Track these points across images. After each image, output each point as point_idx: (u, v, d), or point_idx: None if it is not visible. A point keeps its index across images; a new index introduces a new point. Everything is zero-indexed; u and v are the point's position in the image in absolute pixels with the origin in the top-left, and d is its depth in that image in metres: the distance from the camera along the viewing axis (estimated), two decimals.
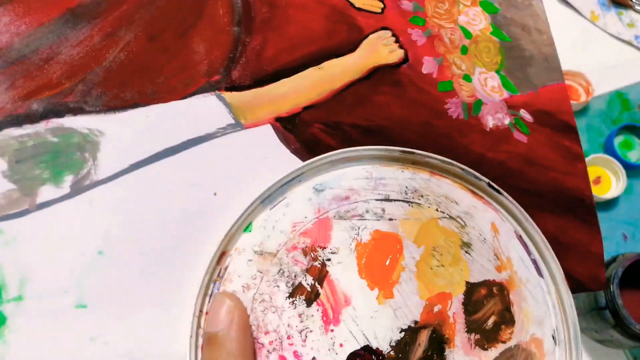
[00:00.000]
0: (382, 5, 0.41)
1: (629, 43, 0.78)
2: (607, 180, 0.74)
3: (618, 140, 0.78)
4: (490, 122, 0.40)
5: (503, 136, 0.40)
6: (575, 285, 0.37)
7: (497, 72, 0.42)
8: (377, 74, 0.39)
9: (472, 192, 0.34)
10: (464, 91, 0.40)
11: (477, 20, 0.43)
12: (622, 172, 0.72)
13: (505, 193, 0.33)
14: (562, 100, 0.43)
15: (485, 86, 0.41)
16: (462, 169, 0.33)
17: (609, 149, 0.76)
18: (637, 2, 0.63)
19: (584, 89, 0.76)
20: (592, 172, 0.74)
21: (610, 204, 0.74)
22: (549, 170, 0.40)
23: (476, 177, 0.33)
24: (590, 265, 0.38)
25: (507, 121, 0.40)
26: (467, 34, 0.42)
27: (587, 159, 0.72)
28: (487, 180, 0.33)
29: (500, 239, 0.33)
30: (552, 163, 0.40)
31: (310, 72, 0.37)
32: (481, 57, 0.42)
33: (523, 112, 0.41)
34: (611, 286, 0.58)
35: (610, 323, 0.59)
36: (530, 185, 0.39)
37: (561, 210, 0.39)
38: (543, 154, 0.40)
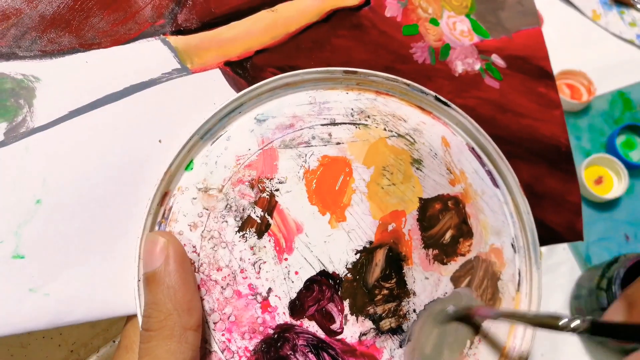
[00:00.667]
0: None
1: (631, 42, 0.79)
2: (609, 181, 0.74)
3: (620, 140, 0.78)
4: (459, 67, 0.39)
5: (473, 82, 0.39)
6: (551, 235, 0.36)
7: (467, 15, 0.41)
8: (336, 17, 0.37)
9: (420, 108, 0.33)
10: (431, 35, 0.40)
11: None
12: (624, 172, 0.72)
13: (454, 106, 0.33)
14: (538, 45, 0.42)
15: (454, 30, 0.41)
16: (408, 85, 0.32)
17: (610, 149, 0.75)
18: (639, 1, 0.65)
19: (586, 88, 0.76)
20: (594, 172, 0.74)
21: (612, 204, 0.73)
22: (523, 117, 0.39)
23: (423, 92, 0.33)
24: (566, 214, 0.37)
25: (477, 66, 0.39)
26: None
27: (588, 159, 0.71)
28: (434, 94, 0.33)
29: (452, 152, 0.32)
30: (526, 110, 0.39)
31: (263, 14, 0.36)
32: (450, 0, 0.41)
33: (495, 57, 0.40)
34: (613, 287, 0.57)
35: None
36: (502, 132, 0.38)
37: (536, 158, 0.38)
38: (516, 100, 0.39)
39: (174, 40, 0.34)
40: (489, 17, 0.41)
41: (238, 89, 0.34)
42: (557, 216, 0.37)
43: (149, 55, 0.33)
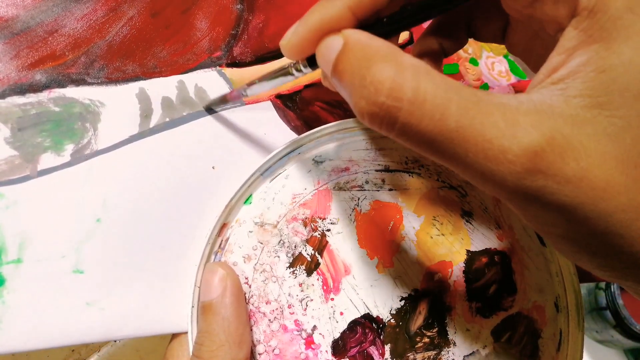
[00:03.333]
0: None
1: None
2: None
3: None
4: None
5: None
6: (582, 275, 0.37)
7: (505, 56, 0.42)
8: None
9: None
10: (470, 75, 0.41)
11: None
12: None
13: None
14: None
15: (492, 70, 0.41)
16: None
17: None
18: None
19: None
20: None
21: None
22: None
23: None
24: None
25: None
26: None
27: None
28: None
29: (502, 207, 0.33)
30: None
31: None
32: None
33: None
34: (612, 286, 0.57)
35: (610, 323, 0.58)
36: None
37: None
38: None
39: (230, 72, 0.36)
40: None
41: (287, 121, 0.36)
42: None
43: (206, 85, 0.35)
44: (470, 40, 0.31)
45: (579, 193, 0.18)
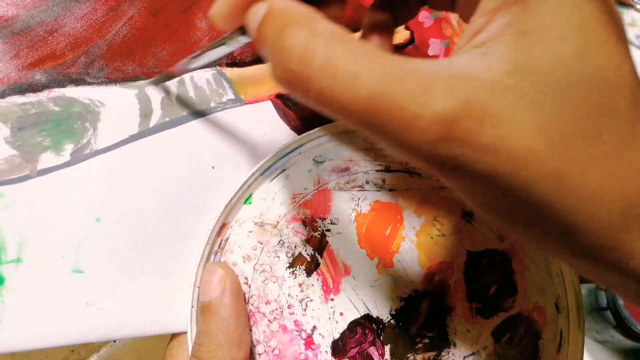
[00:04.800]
0: None
1: (630, 42, 0.79)
2: None
3: None
4: None
5: None
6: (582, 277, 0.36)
7: None
8: None
9: None
10: None
11: None
12: None
13: None
14: None
15: None
16: None
17: None
18: (638, 1, 0.64)
19: None
20: None
21: None
22: None
23: None
24: None
25: None
26: None
27: None
28: None
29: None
30: None
31: None
32: None
33: None
34: None
35: (611, 324, 0.58)
36: None
37: None
38: None
39: (230, 72, 0.35)
40: None
41: (287, 121, 0.36)
42: None
43: (206, 85, 0.35)
44: None
45: (499, 162, 0.17)
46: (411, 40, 0.40)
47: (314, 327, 0.31)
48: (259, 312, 0.31)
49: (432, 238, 0.32)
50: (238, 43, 0.24)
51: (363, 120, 0.18)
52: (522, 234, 0.20)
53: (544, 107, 0.17)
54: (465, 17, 0.26)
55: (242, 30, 0.23)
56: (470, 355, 0.31)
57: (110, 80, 0.33)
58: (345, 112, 0.18)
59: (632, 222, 0.18)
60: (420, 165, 0.18)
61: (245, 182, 0.31)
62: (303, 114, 0.36)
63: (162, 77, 0.33)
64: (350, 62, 0.17)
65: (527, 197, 0.17)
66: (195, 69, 0.31)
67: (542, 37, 0.17)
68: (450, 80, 0.17)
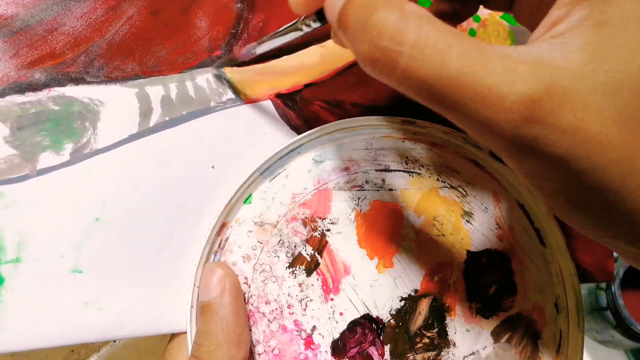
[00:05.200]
0: None
1: None
2: None
3: None
4: None
5: None
6: (583, 275, 0.37)
7: None
8: None
9: (474, 162, 0.33)
10: None
11: None
12: None
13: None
14: None
15: None
16: (464, 139, 0.33)
17: None
18: None
19: None
20: None
21: None
22: None
23: (478, 147, 0.33)
24: (599, 255, 0.37)
25: None
26: (476, 18, 0.42)
27: None
28: (488, 150, 0.33)
29: (502, 208, 0.33)
30: None
31: (313, 50, 0.37)
32: (489, 41, 0.42)
33: None
34: (612, 286, 0.57)
35: (611, 324, 0.58)
36: None
37: None
38: None
39: (230, 71, 0.35)
40: None
41: (287, 121, 0.36)
42: (589, 257, 0.37)
43: (206, 84, 0.35)
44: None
45: (574, 144, 0.18)
46: None
47: (314, 327, 0.31)
48: (259, 312, 0.31)
49: (432, 238, 0.32)
50: (309, 28, 0.25)
51: (447, 98, 0.18)
52: (587, 221, 0.20)
53: (619, 94, 0.18)
54: (521, 18, 0.28)
55: (317, 15, 0.23)
56: (470, 355, 0.31)
57: (110, 80, 0.33)
58: (430, 89, 0.18)
59: None
60: (498, 147, 0.19)
61: (245, 182, 0.31)
62: (303, 113, 0.36)
63: (225, 60, 0.34)
64: (440, 41, 0.18)
65: (598, 181, 0.18)
66: (260, 52, 0.31)
67: (620, 28, 0.18)
68: (532, 64, 0.18)
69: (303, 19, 0.25)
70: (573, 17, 0.19)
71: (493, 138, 0.18)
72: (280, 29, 0.27)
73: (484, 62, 0.18)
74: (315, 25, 0.24)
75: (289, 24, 0.26)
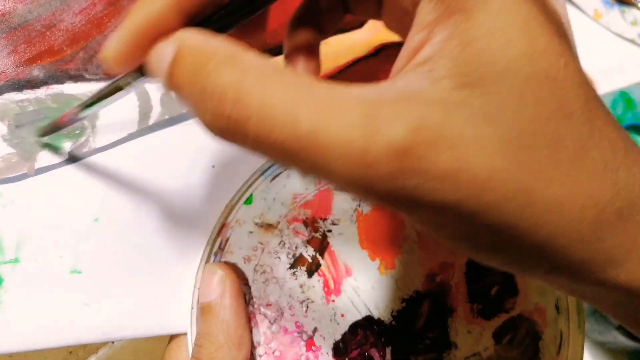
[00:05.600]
0: None
1: (632, 41, 0.79)
2: None
3: None
4: None
5: None
6: None
7: None
8: (385, 51, 0.38)
9: None
10: None
11: None
12: None
13: None
14: None
15: None
16: None
17: None
18: None
19: None
20: None
21: None
22: None
23: None
24: None
25: None
26: None
27: None
28: None
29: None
30: None
31: None
32: None
33: None
34: None
35: (613, 325, 0.58)
36: None
37: None
38: None
39: None
40: None
41: None
42: None
43: None
44: None
45: (459, 187, 0.15)
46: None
47: (315, 329, 0.31)
48: (260, 313, 0.31)
49: (433, 239, 0.32)
50: (135, 86, 0.21)
51: (307, 161, 0.16)
52: (495, 259, 0.18)
53: (500, 119, 0.15)
54: (391, 26, 0.25)
55: (141, 70, 0.20)
56: (472, 356, 0.31)
57: (109, 77, 0.32)
58: (287, 154, 0.16)
59: (604, 230, 0.16)
60: (377, 204, 0.17)
61: (245, 182, 0.31)
62: None
63: (49, 127, 0.29)
64: (288, 97, 0.15)
65: (494, 221, 0.16)
66: (85, 117, 0.28)
67: (488, 45, 0.16)
68: (396, 105, 0.15)
69: (126, 76, 0.21)
70: (435, 40, 0.17)
71: (369, 197, 0.16)
72: (101, 90, 0.23)
73: (340, 113, 0.15)
74: (144, 80, 0.20)
75: (108, 84, 0.23)
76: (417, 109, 0.15)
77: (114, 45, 0.19)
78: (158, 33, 0.18)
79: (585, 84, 0.17)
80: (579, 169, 0.16)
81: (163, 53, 0.17)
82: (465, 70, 0.16)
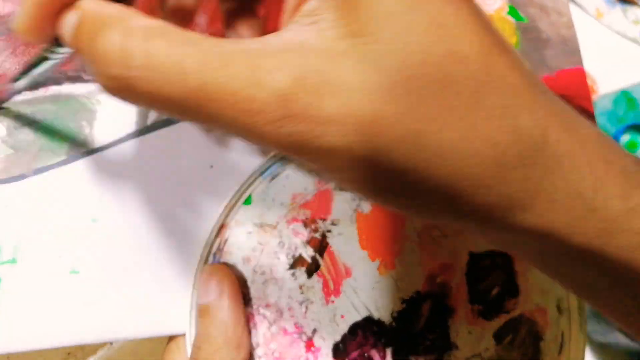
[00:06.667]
0: None
1: (634, 40, 0.78)
2: None
3: (624, 140, 0.77)
4: None
5: None
6: None
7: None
8: None
9: None
10: None
11: (493, 0, 0.42)
12: None
13: None
14: (580, 84, 0.42)
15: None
16: None
17: None
18: None
19: (589, 87, 0.76)
20: None
21: None
22: None
23: None
24: None
25: None
26: None
27: None
28: None
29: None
30: None
31: None
32: None
33: None
34: None
35: (614, 326, 0.58)
36: None
37: None
38: None
39: None
40: (534, 55, 0.41)
41: None
42: None
43: None
44: None
45: (346, 132, 0.16)
46: None
47: (315, 330, 0.31)
48: (259, 314, 0.31)
49: (434, 239, 0.32)
50: (61, 54, 0.22)
51: (200, 113, 0.16)
52: (398, 203, 0.19)
53: (384, 66, 0.16)
54: None
55: (56, 41, 0.20)
56: (472, 357, 0.31)
57: None
58: (180, 108, 0.17)
59: (507, 173, 0.17)
60: (273, 149, 0.18)
61: (244, 183, 0.31)
62: None
63: None
64: (172, 54, 0.16)
65: (388, 164, 0.16)
66: (23, 91, 0.28)
67: None
68: (280, 55, 0.16)
69: (47, 47, 0.22)
70: None
71: (264, 143, 0.17)
72: (28, 62, 0.24)
73: (226, 65, 0.16)
74: (64, 50, 0.21)
75: (34, 56, 0.23)
76: (300, 59, 0.16)
77: (21, 18, 0.19)
78: (63, 3, 0.19)
79: (483, 30, 0.17)
80: (474, 114, 0.16)
81: (69, 20, 0.18)
82: (347, 21, 0.16)
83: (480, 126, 0.16)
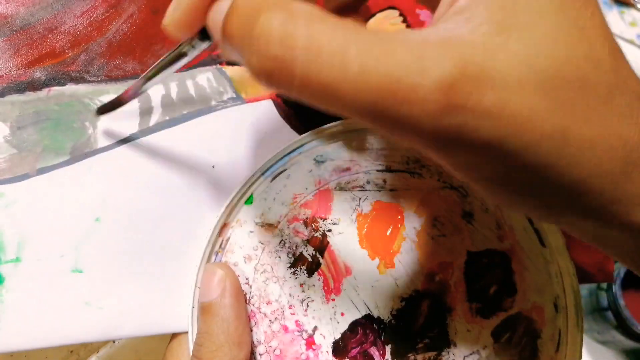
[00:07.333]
0: None
1: (631, 42, 0.79)
2: None
3: None
4: None
5: None
6: (582, 276, 0.37)
7: None
8: None
9: None
10: None
11: None
12: None
13: None
14: None
15: None
16: None
17: None
18: (639, 0, 0.64)
19: None
20: None
21: None
22: None
23: None
24: (597, 256, 0.37)
25: None
26: None
27: None
28: None
29: (503, 208, 0.33)
30: None
31: None
32: None
33: None
34: (613, 287, 0.57)
35: (612, 324, 0.58)
36: None
37: None
38: None
39: (230, 70, 0.35)
40: None
41: (288, 120, 0.36)
42: (588, 257, 0.37)
43: (206, 83, 0.35)
44: None
45: (501, 125, 0.16)
46: None
47: (315, 328, 0.31)
48: (260, 312, 0.31)
49: (432, 238, 0.32)
50: (197, 51, 0.22)
51: (355, 101, 0.16)
52: (526, 203, 0.19)
53: (536, 62, 0.16)
54: None
55: (201, 35, 0.21)
56: (470, 354, 0.31)
57: (110, 79, 0.33)
58: (335, 95, 0.16)
59: (633, 170, 0.17)
60: (424, 145, 0.17)
61: (246, 182, 0.31)
62: (304, 113, 0.36)
63: (111, 104, 0.31)
64: (335, 38, 0.16)
65: (533, 159, 0.17)
66: (149, 88, 0.28)
67: None
68: (442, 46, 0.16)
69: (187, 42, 0.22)
70: None
71: (415, 136, 0.17)
72: (162, 59, 0.25)
73: (388, 53, 0.16)
74: (203, 45, 0.22)
75: (171, 51, 0.24)
76: (462, 50, 0.16)
77: (172, 13, 0.20)
78: None
79: (609, 36, 0.18)
80: (609, 111, 0.17)
81: (220, 9, 0.19)
82: (501, 17, 0.17)
83: (613, 123, 0.17)
